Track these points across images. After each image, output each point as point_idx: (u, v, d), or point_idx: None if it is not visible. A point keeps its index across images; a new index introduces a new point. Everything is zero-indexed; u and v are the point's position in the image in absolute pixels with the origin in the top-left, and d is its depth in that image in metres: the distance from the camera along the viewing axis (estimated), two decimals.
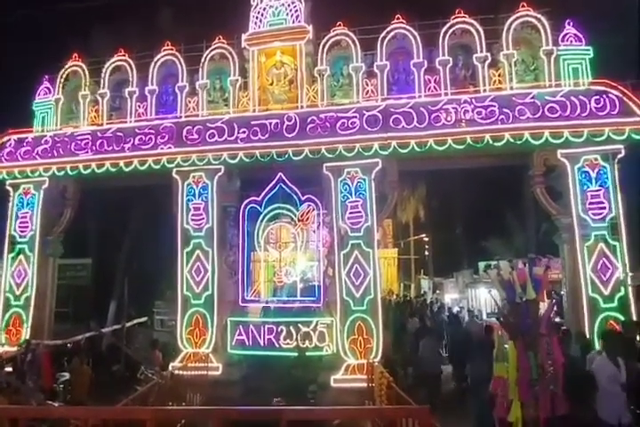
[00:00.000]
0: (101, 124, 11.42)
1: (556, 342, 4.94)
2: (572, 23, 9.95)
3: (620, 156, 9.30)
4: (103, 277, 16.80)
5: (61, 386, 9.39)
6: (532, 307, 4.91)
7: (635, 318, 8.87)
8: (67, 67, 11.91)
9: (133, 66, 11.53)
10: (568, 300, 9.81)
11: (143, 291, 14.15)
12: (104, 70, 11.63)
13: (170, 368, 9.32)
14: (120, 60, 11.65)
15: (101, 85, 11.64)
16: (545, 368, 4.71)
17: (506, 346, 5.03)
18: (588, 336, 8.45)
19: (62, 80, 11.88)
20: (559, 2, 10.63)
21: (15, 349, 9.82)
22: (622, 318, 8.78)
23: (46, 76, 11.99)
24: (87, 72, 11.79)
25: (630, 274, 9.11)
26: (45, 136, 11.39)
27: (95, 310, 15.60)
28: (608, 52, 9.99)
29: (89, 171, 10.91)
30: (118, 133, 10.92)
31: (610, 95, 9.15)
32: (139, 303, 13.75)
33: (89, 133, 11.12)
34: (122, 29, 14.67)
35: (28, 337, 10.34)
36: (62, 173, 11.14)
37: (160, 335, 12.34)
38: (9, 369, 8.83)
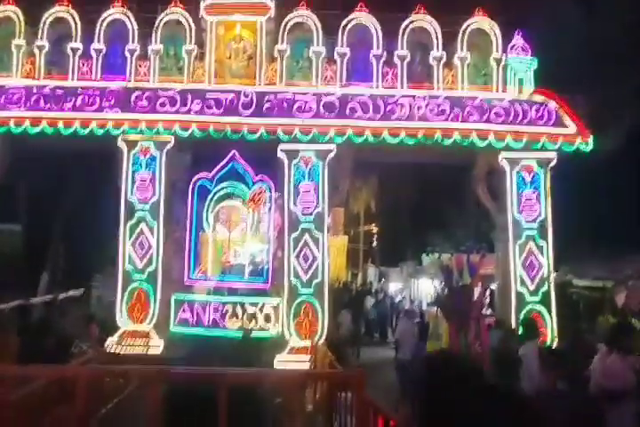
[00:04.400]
0: (38, 79, 11.01)
1: (484, 325, 5.87)
2: (520, 33, 11.13)
3: (552, 164, 10.76)
4: (35, 245, 16.38)
5: None
6: (466, 292, 5.81)
7: (554, 309, 10.32)
8: None
9: (77, 20, 11.22)
10: (498, 293, 11.18)
11: (80, 264, 14.07)
12: (43, 20, 11.21)
13: (107, 344, 9.54)
14: (62, 11, 11.25)
15: (39, 36, 11.18)
16: (473, 348, 5.60)
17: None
18: (513, 325, 9.66)
19: None
20: (510, 10, 11.59)
21: None
22: (545, 310, 10.32)
23: None
24: (22, 19, 11.24)
25: (553, 274, 10.58)
26: None
27: (24, 281, 15.28)
28: (551, 63, 11.19)
29: (21, 129, 10.59)
30: (58, 91, 10.73)
31: (548, 106, 10.61)
32: (75, 276, 13.66)
33: (23, 87, 10.82)
34: None
35: None
36: None
37: (98, 310, 12.41)
38: None
